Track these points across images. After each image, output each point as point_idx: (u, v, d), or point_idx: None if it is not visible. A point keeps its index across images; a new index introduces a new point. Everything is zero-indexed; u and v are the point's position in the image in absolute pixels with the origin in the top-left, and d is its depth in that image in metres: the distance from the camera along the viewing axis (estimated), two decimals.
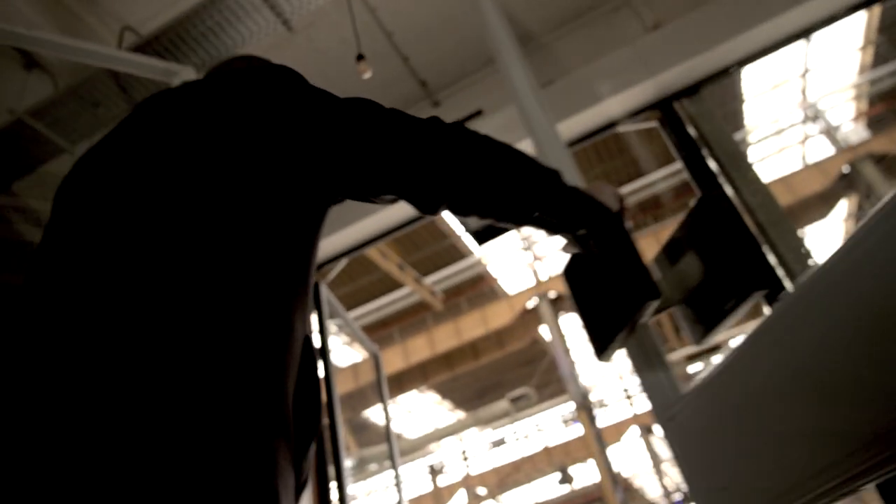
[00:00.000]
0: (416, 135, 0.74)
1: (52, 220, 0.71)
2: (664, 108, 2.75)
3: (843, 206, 9.19)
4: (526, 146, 0.98)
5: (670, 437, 1.06)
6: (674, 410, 1.05)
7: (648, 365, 1.15)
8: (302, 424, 0.64)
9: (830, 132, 8.39)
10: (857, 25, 6.66)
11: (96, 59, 2.47)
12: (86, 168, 0.73)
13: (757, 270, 0.96)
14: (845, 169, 8.42)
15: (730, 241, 1.00)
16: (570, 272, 1.13)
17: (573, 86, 2.81)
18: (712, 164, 2.52)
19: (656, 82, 2.64)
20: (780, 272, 2.28)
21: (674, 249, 1.13)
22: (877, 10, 6.40)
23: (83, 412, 0.48)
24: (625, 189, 9.84)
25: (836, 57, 7.20)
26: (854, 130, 8.77)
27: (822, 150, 8.83)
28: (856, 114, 8.46)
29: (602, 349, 1.04)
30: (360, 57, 2.60)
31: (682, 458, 1.01)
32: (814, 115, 8.23)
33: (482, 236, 3.91)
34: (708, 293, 1.04)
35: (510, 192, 0.78)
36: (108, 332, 0.52)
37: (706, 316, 1.05)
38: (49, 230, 0.69)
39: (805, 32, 2.66)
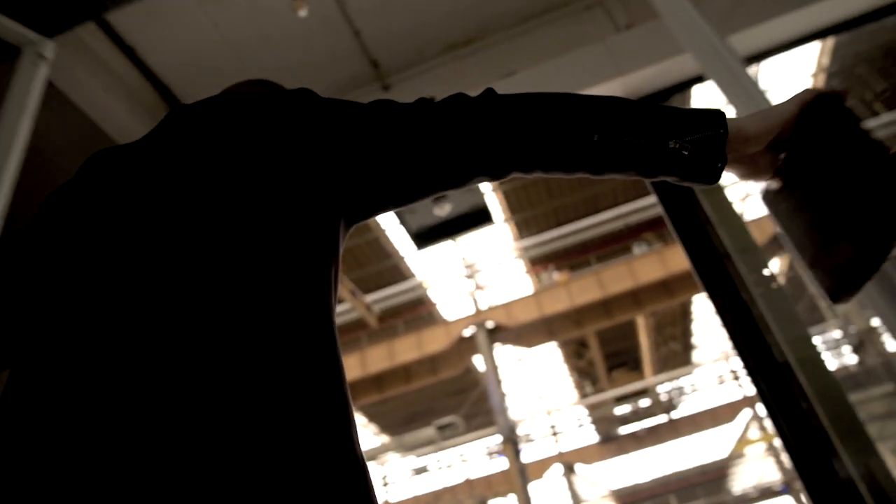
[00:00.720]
0: (451, 118, 0.73)
1: (70, 214, 0.72)
2: None
3: (776, 264, 9.58)
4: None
5: None
6: None
7: None
8: None
9: None
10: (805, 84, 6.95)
11: None
12: (110, 174, 0.74)
13: None
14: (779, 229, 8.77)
15: None
16: (770, 199, 0.86)
17: (534, 79, 2.63)
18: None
19: (624, 83, 2.50)
20: None
21: None
22: (821, 75, 6.70)
23: (192, 418, 0.52)
24: (585, 222, 9.85)
25: None
26: None
27: (760, 209, 9.19)
28: None
29: (847, 288, 0.76)
30: None
31: None
32: None
33: (422, 239, 3.66)
34: None
35: (559, 124, 0.72)
36: (193, 346, 0.56)
37: None
38: (64, 227, 0.70)
39: (761, 56, 2.69)
